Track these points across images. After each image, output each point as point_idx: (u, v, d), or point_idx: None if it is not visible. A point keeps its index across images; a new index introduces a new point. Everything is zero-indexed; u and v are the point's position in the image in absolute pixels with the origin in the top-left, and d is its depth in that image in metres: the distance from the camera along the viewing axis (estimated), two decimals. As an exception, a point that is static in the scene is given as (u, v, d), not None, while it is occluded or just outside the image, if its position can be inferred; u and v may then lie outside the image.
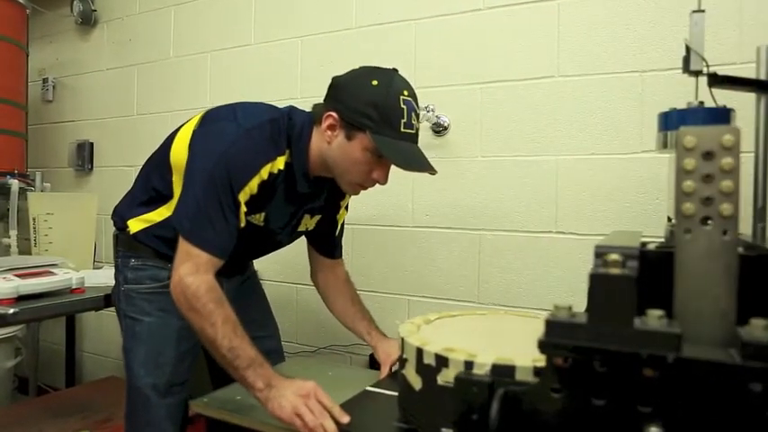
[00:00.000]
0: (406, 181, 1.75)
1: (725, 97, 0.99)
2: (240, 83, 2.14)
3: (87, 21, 2.55)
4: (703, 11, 0.97)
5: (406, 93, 1.14)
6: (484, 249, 1.67)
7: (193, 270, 1.08)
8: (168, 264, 1.24)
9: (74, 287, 1.62)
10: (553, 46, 1.58)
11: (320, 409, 1.01)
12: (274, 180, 1.18)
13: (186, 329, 1.25)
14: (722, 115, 0.94)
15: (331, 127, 1.16)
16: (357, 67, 1.22)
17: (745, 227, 0.86)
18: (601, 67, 1.52)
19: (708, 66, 0.97)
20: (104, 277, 1.80)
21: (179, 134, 1.27)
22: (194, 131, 1.21)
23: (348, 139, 1.15)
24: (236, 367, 1.05)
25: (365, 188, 1.24)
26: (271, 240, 1.34)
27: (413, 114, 1.14)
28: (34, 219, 2.03)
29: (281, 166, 1.18)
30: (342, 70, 1.89)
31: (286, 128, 1.20)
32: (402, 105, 1.12)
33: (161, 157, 1.29)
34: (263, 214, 1.22)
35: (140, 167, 1.40)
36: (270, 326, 1.56)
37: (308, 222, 1.37)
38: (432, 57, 1.76)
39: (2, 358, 2.12)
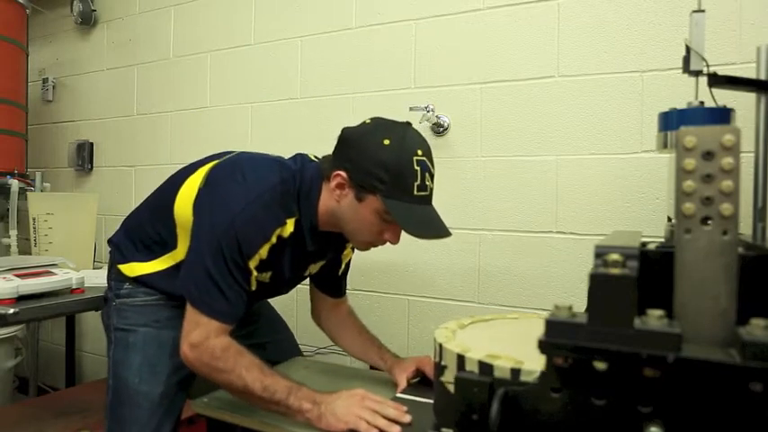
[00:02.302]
0: (406, 181, 1.75)
1: (725, 97, 1.00)
2: (240, 83, 2.14)
3: (87, 21, 2.55)
4: (703, 11, 0.97)
5: (420, 152, 1.08)
6: (484, 249, 1.67)
7: (204, 337, 1.06)
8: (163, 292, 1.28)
9: (74, 287, 1.62)
10: (553, 46, 1.58)
11: (378, 405, 1.02)
12: (284, 242, 1.15)
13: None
14: (722, 115, 0.95)
15: (340, 186, 1.12)
16: (368, 120, 1.17)
17: (746, 227, 0.86)
18: (601, 67, 1.52)
19: (708, 66, 0.97)
20: (104, 277, 1.80)
21: (183, 188, 1.22)
22: (200, 190, 1.17)
23: (358, 200, 1.11)
24: (277, 401, 1.03)
25: (376, 246, 1.21)
26: (275, 292, 1.33)
27: (426, 175, 1.09)
28: (34, 219, 2.03)
29: (291, 228, 1.15)
30: (342, 70, 1.91)
31: (298, 187, 1.16)
32: (416, 167, 1.07)
33: (163, 204, 1.25)
34: (269, 273, 1.20)
35: (138, 206, 1.38)
36: (279, 327, 1.56)
37: (312, 268, 1.36)
38: (432, 57, 1.76)
39: (2, 358, 2.11)
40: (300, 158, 1.23)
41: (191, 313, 1.09)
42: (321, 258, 1.34)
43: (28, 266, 1.59)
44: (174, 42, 2.33)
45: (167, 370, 1.25)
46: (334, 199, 1.14)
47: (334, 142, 1.18)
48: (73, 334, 2.44)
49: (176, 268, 1.22)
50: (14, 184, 2.18)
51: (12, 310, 1.39)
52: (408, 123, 1.15)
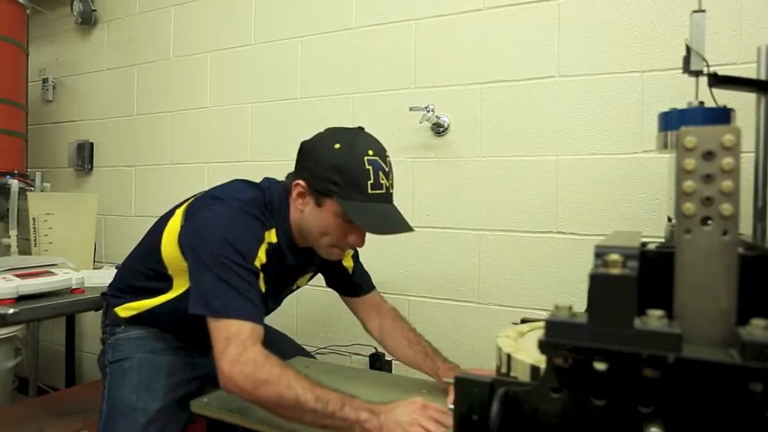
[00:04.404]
0: (405, 181, 1.75)
1: (725, 97, 0.99)
2: (240, 83, 2.14)
3: (87, 21, 2.55)
4: (703, 11, 0.97)
5: (371, 152, 1.11)
6: (484, 249, 1.67)
7: (240, 349, 1.00)
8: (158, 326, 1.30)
9: (74, 287, 1.62)
10: (553, 46, 1.58)
11: (440, 415, 0.99)
12: (273, 249, 1.17)
13: (180, 364, 1.28)
14: (722, 115, 0.95)
15: (301, 195, 1.16)
16: (323, 129, 1.21)
17: (746, 227, 0.86)
18: (601, 67, 1.52)
19: (708, 66, 0.97)
20: (104, 277, 1.80)
21: (166, 231, 1.26)
22: (182, 227, 1.19)
23: (318, 206, 1.14)
24: (331, 414, 0.97)
25: (343, 250, 1.22)
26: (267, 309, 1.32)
27: (380, 174, 1.12)
28: (34, 219, 2.03)
29: (275, 237, 1.18)
30: (342, 70, 1.91)
31: (269, 202, 1.20)
32: (367, 166, 1.10)
33: (150, 251, 1.28)
34: (267, 286, 1.20)
35: (125, 261, 1.41)
36: (279, 337, 1.56)
37: (301, 281, 1.38)
38: (432, 57, 1.76)
39: (2, 358, 2.11)
40: (267, 180, 1.28)
41: (217, 331, 1.03)
42: (307, 271, 1.37)
43: (28, 266, 1.59)
44: (174, 42, 2.33)
45: (164, 388, 1.24)
46: (298, 209, 1.18)
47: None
48: (73, 334, 2.44)
49: (174, 300, 1.25)
50: (14, 184, 2.18)
51: (12, 310, 1.39)
52: (361, 128, 1.19)
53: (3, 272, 1.50)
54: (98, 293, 1.64)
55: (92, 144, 2.56)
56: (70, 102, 2.68)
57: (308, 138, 1.21)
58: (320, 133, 1.20)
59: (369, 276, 1.46)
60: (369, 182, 1.10)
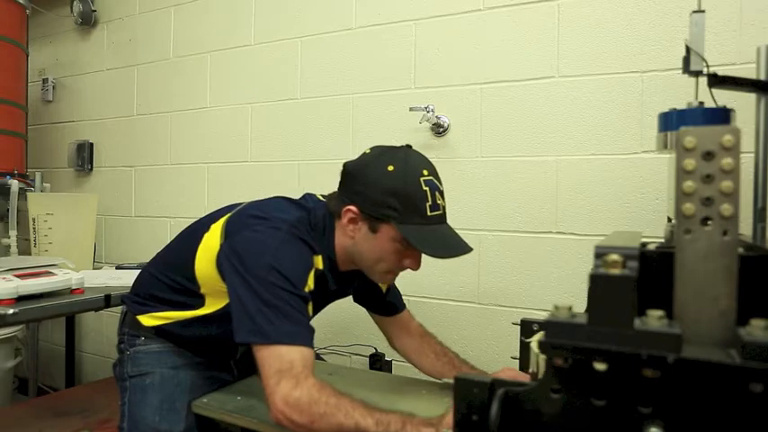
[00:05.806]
0: (405, 181, 1.75)
1: (725, 97, 0.99)
2: (240, 83, 2.14)
3: (87, 21, 2.55)
4: (703, 11, 0.97)
5: (425, 172, 1.08)
6: (484, 249, 1.67)
7: (294, 383, 0.96)
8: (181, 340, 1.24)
9: (73, 287, 1.61)
10: (553, 46, 1.58)
11: None
12: (319, 276, 1.12)
13: (200, 380, 1.25)
14: (722, 115, 0.94)
15: (352, 221, 1.11)
16: (368, 150, 1.15)
17: (746, 227, 0.86)
18: (601, 67, 1.52)
19: (708, 66, 0.97)
20: (104, 277, 1.80)
21: (202, 247, 1.18)
22: (222, 246, 1.12)
23: (373, 232, 1.09)
24: None
25: (397, 274, 1.19)
26: None
27: (437, 194, 1.08)
28: (34, 219, 2.03)
29: (321, 263, 1.14)
30: (342, 70, 1.91)
31: (313, 226, 1.14)
32: (424, 188, 1.06)
33: (181, 263, 1.20)
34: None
35: (148, 267, 1.33)
36: None
37: (333, 301, 1.35)
38: (432, 57, 1.76)
39: (2, 359, 2.11)
40: (309, 197, 1.22)
41: (267, 362, 0.98)
42: (346, 295, 1.34)
43: (28, 267, 1.59)
44: (174, 42, 2.33)
45: (187, 407, 1.21)
46: (348, 236, 1.13)
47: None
48: (73, 334, 2.44)
49: (205, 317, 1.19)
50: (14, 184, 2.18)
51: (11, 311, 1.39)
52: (408, 146, 1.14)
53: (3, 272, 1.50)
54: (98, 294, 1.64)
55: (92, 144, 2.56)
56: (70, 102, 2.68)
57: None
58: (366, 154, 1.14)
59: (400, 294, 1.42)
60: (427, 204, 1.06)
